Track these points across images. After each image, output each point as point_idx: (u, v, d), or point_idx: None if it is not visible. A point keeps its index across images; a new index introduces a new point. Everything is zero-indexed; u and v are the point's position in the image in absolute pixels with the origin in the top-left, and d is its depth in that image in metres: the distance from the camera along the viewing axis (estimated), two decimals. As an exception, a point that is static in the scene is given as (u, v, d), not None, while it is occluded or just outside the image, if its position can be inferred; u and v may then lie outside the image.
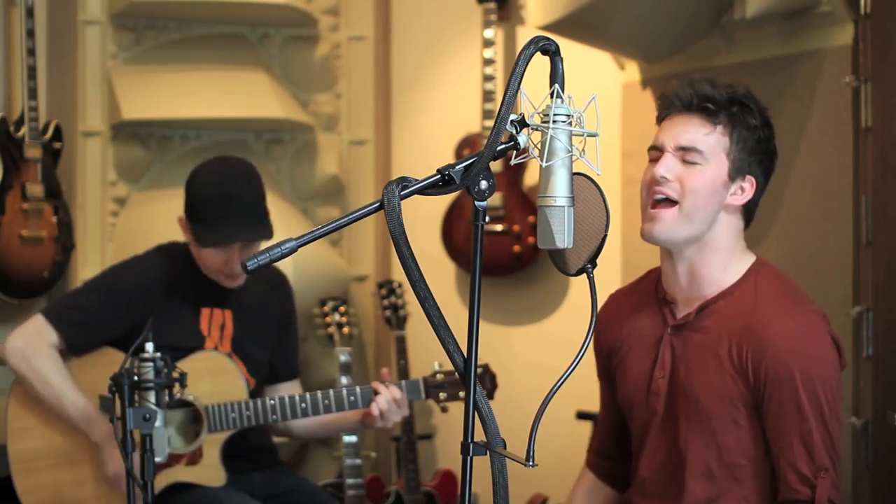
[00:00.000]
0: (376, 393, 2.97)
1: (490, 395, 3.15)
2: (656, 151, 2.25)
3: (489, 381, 3.20)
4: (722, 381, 2.20)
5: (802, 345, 2.17)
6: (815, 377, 2.15)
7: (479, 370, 3.14)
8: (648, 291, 2.38)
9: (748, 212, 2.28)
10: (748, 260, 2.29)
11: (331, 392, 2.99)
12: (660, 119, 2.30)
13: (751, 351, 2.17)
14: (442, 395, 3.07)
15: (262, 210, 3.05)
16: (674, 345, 2.28)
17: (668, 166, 2.21)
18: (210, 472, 2.98)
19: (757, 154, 2.23)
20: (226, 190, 2.98)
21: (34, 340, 2.95)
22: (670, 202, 2.21)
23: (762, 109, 2.26)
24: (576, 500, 2.55)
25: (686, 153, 2.20)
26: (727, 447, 2.21)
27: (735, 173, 2.21)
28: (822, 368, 2.17)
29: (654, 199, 2.22)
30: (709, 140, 2.20)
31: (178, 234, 3.16)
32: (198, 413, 2.97)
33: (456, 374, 2.94)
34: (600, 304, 2.54)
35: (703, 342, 2.24)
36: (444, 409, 3.12)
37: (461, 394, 3.03)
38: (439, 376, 3.07)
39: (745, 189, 2.24)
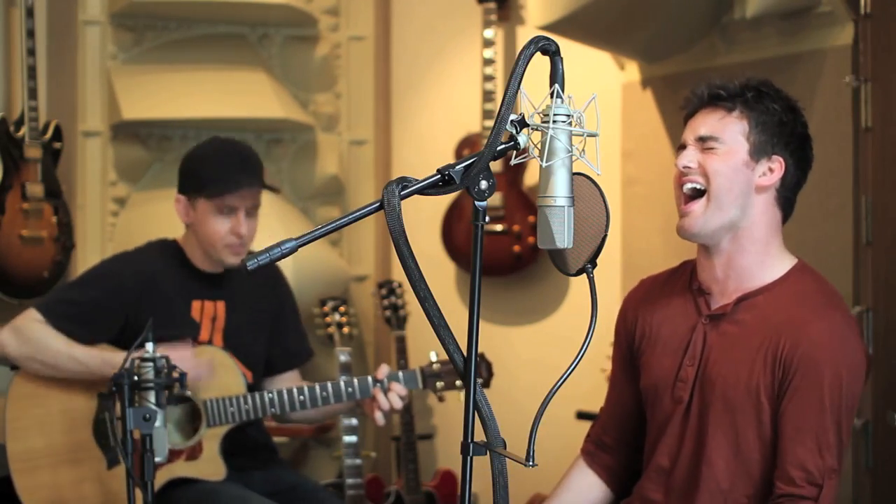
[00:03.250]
0: (379, 382, 2.96)
1: (486, 384, 3.17)
2: (681, 148, 2.31)
3: (485, 369, 3.21)
4: (751, 375, 2.21)
5: (838, 346, 2.19)
6: (843, 380, 2.17)
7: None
8: (681, 281, 2.40)
9: (785, 200, 2.29)
10: (790, 261, 2.31)
11: (328, 384, 2.99)
12: (685, 121, 2.35)
13: (787, 344, 2.18)
14: (439, 385, 3.07)
15: (260, 170, 3.09)
16: (706, 334, 2.29)
17: (689, 156, 2.26)
18: (210, 466, 2.99)
19: (780, 136, 2.25)
20: (223, 147, 3.06)
21: (26, 323, 2.95)
22: (699, 194, 2.25)
23: (785, 98, 2.29)
24: (562, 488, 2.52)
25: (705, 142, 2.26)
26: (746, 440, 2.22)
27: (758, 154, 2.24)
28: (852, 374, 2.19)
29: (685, 195, 2.26)
30: (724, 124, 2.25)
31: (178, 234, 3.17)
32: (196, 408, 2.97)
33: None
34: (630, 288, 2.56)
35: (738, 334, 2.25)
36: (441, 399, 3.12)
37: (458, 383, 3.04)
38: (436, 366, 3.07)
39: (774, 169, 2.25)
